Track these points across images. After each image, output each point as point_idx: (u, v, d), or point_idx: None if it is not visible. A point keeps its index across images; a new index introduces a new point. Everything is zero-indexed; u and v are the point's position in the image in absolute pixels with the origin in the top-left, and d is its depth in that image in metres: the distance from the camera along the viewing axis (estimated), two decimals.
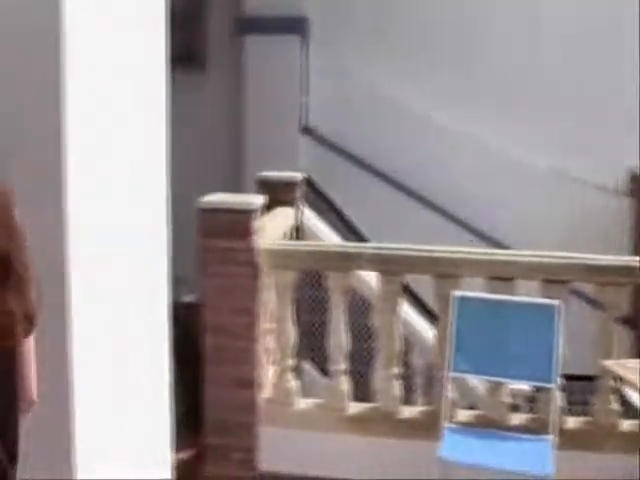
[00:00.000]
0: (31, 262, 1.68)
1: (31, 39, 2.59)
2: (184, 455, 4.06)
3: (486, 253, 4.68)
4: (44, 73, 2.62)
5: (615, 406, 4.27)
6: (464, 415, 4.36)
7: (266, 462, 4.38)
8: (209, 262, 4.28)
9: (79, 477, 2.65)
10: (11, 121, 2.62)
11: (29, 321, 1.69)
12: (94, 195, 2.79)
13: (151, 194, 3.17)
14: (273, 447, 4.37)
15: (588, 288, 4.46)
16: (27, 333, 1.71)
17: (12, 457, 1.70)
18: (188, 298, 4.60)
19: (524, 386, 4.28)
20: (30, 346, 1.76)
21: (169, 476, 3.26)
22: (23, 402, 1.74)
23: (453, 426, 4.08)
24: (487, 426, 4.20)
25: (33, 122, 2.65)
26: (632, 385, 3.81)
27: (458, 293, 4.08)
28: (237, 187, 6.08)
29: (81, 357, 2.71)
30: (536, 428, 4.14)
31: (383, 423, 4.39)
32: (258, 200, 4.45)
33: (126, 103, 2.98)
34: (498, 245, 6.54)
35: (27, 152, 2.63)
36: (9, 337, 1.65)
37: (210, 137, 6.92)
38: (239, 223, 4.27)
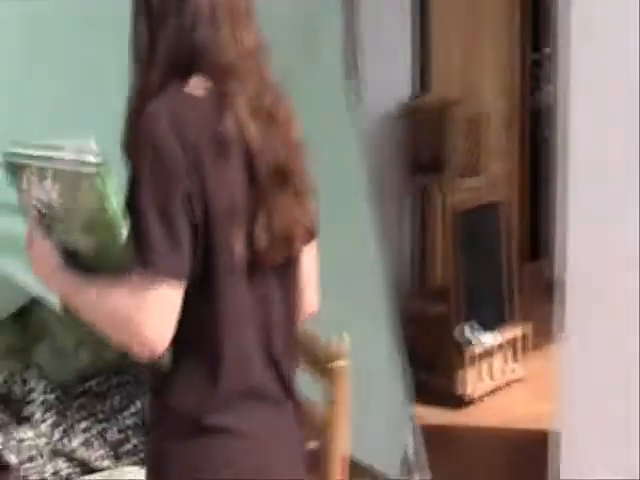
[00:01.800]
0: (309, 176, 1.71)
1: None
2: None
3: None
4: None
5: None
6: None
7: None
8: None
9: None
10: None
11: (308, 232, 1.74)
12: None
13: None
14: None
15: None
16: (306, 243, 1.75)
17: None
18: None
19: None
20: (311, 258, 1.80)
21: None
22: (301, 312, 1.80)
23: None
24: None
25: None
26: None
27: None
28: None
29: None
30: None
31: None
32: None
33: None
34: None
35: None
36: (291, 247, 1.68)
37: None
38: None
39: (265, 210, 1.62)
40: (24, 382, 3.28)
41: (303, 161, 1.71)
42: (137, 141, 1.56)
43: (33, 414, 3.16)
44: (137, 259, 1.52)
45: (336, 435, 1.97)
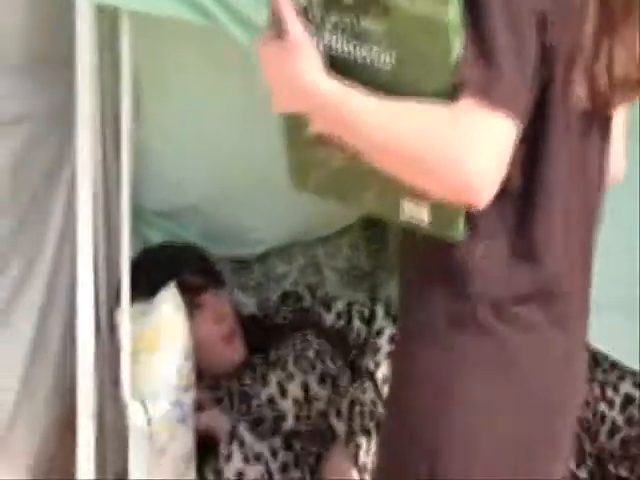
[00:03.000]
0: None
1: None
2: None
3: None
4: None
5: None
6: None
7: None
8: None
9: None
10: None
11: (630, 83, 1.39)
12: None
13: None
14: None
15: None
16: (624, 100, 1.42)
17: None
18: None
19: None
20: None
21: None
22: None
23: None
24: None
25: None
26: None
27: None
28: None
29: None
30: None
31: None
32: None
33: None
34: None
35: None
36: (632, 92, 1.39)
37: None
38: None
39: (612, 43, 1.35)
40: (367, 322, 2.44)
41: None
42: None
43: (377, 367, 2.33)
44: (473, 81, 1.25)
45: None
